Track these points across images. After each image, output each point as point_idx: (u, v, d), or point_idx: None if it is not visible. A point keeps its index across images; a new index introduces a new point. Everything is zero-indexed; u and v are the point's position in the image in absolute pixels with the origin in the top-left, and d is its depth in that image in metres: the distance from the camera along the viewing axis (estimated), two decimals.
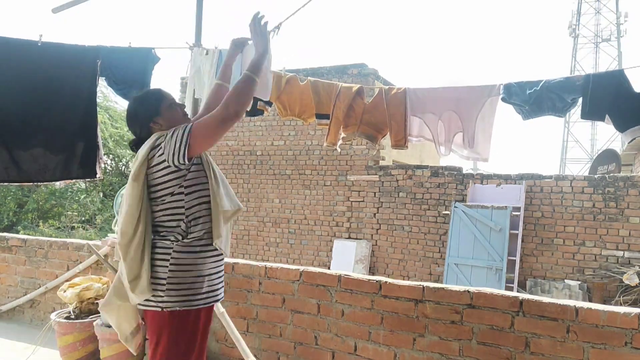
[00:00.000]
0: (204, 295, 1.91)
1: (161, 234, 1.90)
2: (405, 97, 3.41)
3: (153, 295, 1.86)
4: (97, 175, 3.38)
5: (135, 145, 1.99)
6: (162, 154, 1.82)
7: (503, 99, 3.11)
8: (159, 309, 1.86)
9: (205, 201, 1.92)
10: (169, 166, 1.82)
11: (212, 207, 1.92)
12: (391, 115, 3.45)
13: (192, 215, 1.89)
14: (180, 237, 1.87)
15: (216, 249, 1.95)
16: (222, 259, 2.03)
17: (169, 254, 1.86)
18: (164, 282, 1.85)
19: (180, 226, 1.88)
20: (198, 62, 3.38)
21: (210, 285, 1.94)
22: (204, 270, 1.91)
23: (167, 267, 1.85)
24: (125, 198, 1.87)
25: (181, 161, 1.80)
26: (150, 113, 1.96)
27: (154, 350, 1.90)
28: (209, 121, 1.82)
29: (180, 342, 1.89)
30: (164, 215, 1.89)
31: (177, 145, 1.79)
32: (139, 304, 1.91)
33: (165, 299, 1.85)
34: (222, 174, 2.02)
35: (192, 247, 1.88)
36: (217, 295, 1.99)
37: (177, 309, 1.85)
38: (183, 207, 1.88)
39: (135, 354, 2.00)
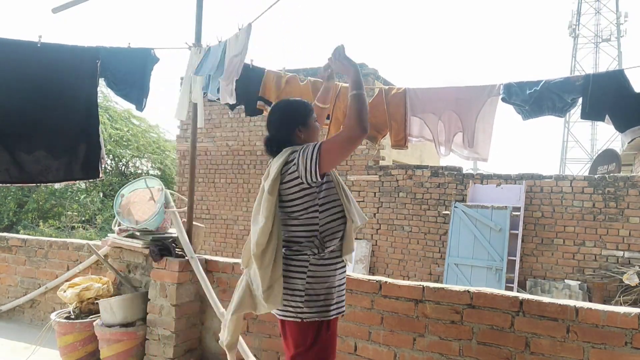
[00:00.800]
0: (335, 306, 1.99)
1: (293, 248, 1.95)
2: (405, 97, 3.41)
3: (291, 307, 1.93)
4: (100, 176, 3.38)
5: (269, 144, 2.02)
6: (296, 170, 1.87)
7: (503, 99, 3.10)
8: (299, 320, 1.93)
9: (337, 217, 1.98)
10: (302, 183, 1.88)
11: (347, 223, 2.00)
12: (391, 115, 3.45)
13: (326, 232, 1.95)
14: (316, 252, 1.93)
15: (342, 261, 2.03)
16: (346, 271, 2.11)
17: (306, 267, 1.92)
18: (302, 293, 1.91)
19: (314, 241, 1.93)
20: (194, 62, 3.39)
21: (339, 297, 2.02)
22: (335, 282, 1.98)
23: (305, 279, 1.91)
24: (261, 211, 1.91)
25: (314, 179, 1.85)
26: (299, 120, 2.03)
27: (295, 356, 1.97)
28: (338, 140, 1.87)
29: (321, 352, 1.96)
30: (298, 231, 1.95)
31: (309, 163, 1.84)
32: (279, 313, 1.99)
33: (304, 310, 1.92)
34: (348, 190, 2.09)
35: (325, 260, 1.95)
36: (343, 306, 2.06)
37: (316, 319, 1.92)
38: (317, 223, 1.94)
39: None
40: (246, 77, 3.38)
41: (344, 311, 2.06)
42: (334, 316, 1.98)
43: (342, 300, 2.05)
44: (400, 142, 3.50)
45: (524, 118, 3.07)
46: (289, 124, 2.02)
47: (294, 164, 1.88)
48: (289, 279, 1.92)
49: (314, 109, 2.25)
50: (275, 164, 1.92)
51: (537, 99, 2.93)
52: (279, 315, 2.01)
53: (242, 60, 2.96)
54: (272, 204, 1.89)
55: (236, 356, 3.08)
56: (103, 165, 3.46)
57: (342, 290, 2.04)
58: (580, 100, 2.87)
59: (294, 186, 1.90)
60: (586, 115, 2.87)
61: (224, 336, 2.15)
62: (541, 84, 2.96)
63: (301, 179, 1.86)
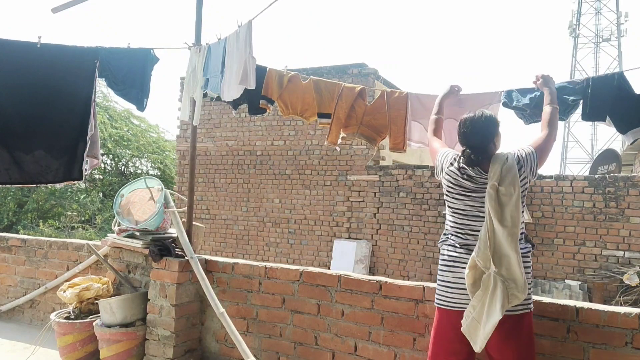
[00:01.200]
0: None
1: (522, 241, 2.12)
2: (407, 101, 3.41)
3: (525, 299, 2.01)
4: (82, 178, 3.37)
5: (474, 154, 2.13)
6: (524, 172, 2.11)
7: (504, 104, 3.10)
8: (529, 310, 2.08)
9: None
10: (527, 182, 2.14)
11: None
12: (392, 119, 3.45)
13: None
14: (530, 244, 2.17)
15: None
16: None
17: (529, 257, 2.12)
18: (530, 283, 2.07)
19: (524, 233, 2.16)
20: (194, 62, 3.39)
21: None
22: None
23: (530, 269, 2.10)
24: (515, 207, 2.02)
25: (535, 177, 2.19)
26: (496, 132, 2.22)
27: (524, 352, 2.05)
28: (548, 146, 2.26)
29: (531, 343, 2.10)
30: (522, 223, 2.10)
31: (535, 168, 2.15)
32: (519, 307, 2.04)
33: (531, 299, 2.10)
34: None
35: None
36: None
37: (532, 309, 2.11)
38: (524, 217, 2.16)
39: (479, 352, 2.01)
40: None
41: None
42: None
43: None
44: (399, 146, 3.50)
45: (526, 122, 3.07)
46: (490, 136, 2.19)
47: (523, 167, 2.11)
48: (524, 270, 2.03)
49: (434, 120, 2.72)
50: (512, 168, 2.07)
51: (538, 103, 2.92)
52: (522, 309, 2.05)
53: (252, 61, 2.98)
54: (520, 201, 2.04)
55: (236, 356, 3.08)
56: (88, 165, 3.45)
57: None
58: (580, 102, 2.87)
59: (522, 185, 2.09)
60: (587, 116, 2.87)
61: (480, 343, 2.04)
62: None
63: (528, 179, 2.13)
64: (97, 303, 3.34)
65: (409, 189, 8.25)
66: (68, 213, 14.25)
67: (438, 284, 2.20)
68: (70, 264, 4.10)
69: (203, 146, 9.97)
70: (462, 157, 2.16)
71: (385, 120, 3.46)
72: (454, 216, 2.20)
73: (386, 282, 2.74)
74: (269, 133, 9.50)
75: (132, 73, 3.41)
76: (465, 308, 2.04)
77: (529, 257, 2.11)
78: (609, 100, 2.77)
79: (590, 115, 2.85)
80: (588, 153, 33.12)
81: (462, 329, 2.02)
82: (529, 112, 3.00)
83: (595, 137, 34.24)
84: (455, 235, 2.18)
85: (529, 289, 2.04)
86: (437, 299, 2.20)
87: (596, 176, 7.26)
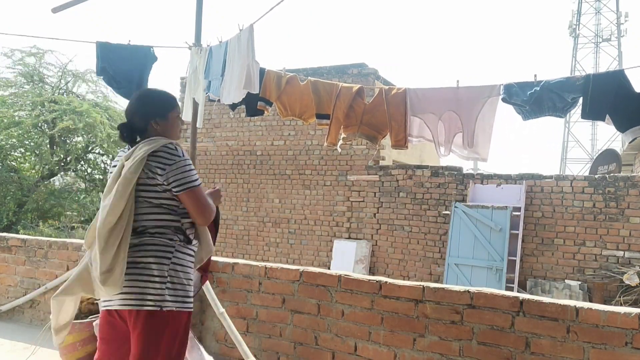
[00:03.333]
0: (191, 299, 1.96)
1: (154, 233, 1.89)
2: (406, 97, 3.40)
3: (150, 294, 1.83)
4: None
5: (125, 131, 1.98)
6: (161, 184, 1.88)
7: (503, 99, 3.11)
8: (158, 308, 1.84)
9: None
10: (165, 191, 1.93)
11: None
12: (391, 116, 3.45)
13: (187, 224, 1.97)
14: (181, 239, 1.93)
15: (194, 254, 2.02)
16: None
17: (172, 252, 1.89)
18: (165, 280, 1.85)
19: (178, 230, 1.94)
20: (195, 62, 3.39)
21: (192, 290, 1.99)
22: (191, 274, 1.98)
23: (169, 265, 1.87)
24: (116, 189, 1.83)
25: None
26: (157, 111, 1.99)
27: (147, 351, 1.84)
28: (201, 205, 1.95)
29: (177, 344, 1.90)
30: (161, 216, 1.91)
31: (179, 188, 1.91)
32: (129, 301, 1.85)
33: (167, 297, 1.85)
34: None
35: (188, 250, 1.97)
36: (192, 302, 2.01)
37: (174, 309, 1.87)
38: (179, 214, 1.95)
39: (58, 347, 1.96)
40: None
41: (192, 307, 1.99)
42: (192, 309, 1.95)
43: (192, 296, 1.99)
44: (401, 142, 3.50)
45: (524, 118, 3.07)
46: (144, 114, 1.97)
47: (162, 176, 1.86)
48: (147, 264, 1.84)
49: None
50: (140, 155, 1.86)
51: (537, 99, 2.93)
52: (128, 304, 1.84)
53: (256, 65, 2.99)
54: (130, 186, 1.83)
55: (236, 356, 3.08)
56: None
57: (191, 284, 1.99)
58: (580, 100, 2.87)
59: (156, 185, 1.88)
60: (586, 115, 2.87)
61: (52, 320, 2.07)
62: (541, 84, 2.96)
63: (165, 191, 1.88)
64: (97, 303, 3.34)
65: (409, 189, 8.25)
66: (68, 213, 14.24)
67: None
68: (70, 264, 4.09)
69: (203, 146, 9.97)
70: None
71: (385, 117, 3.46)
72: None
73: (386, 282, 2.74)
74: (269, 133, 9.50)
75: (131, 70, 3.43)
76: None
77: (171, 252, 1.90)
78: (609, 98, 2.77)
79: (590, 113, 2.85)
80: (588, 153, 33.12)
81: None
82: (528, 108, 3.00)
83: (595, 137, 34.23)
84: None
85: (163, 285, 1.85)
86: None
87: (596, 176, 7.26)
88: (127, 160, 1.89)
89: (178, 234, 1.92)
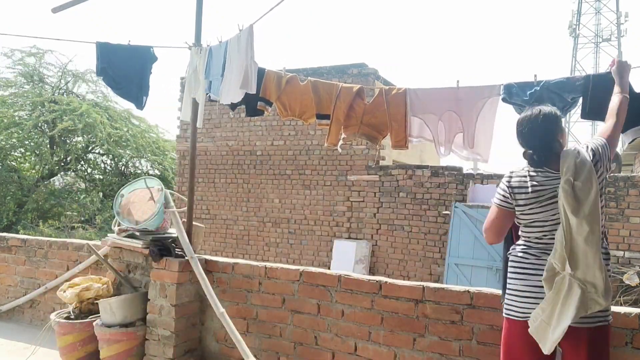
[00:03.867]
0: None
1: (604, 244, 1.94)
2: (406, 97, 3.40)
3: (605, 308, 1.84)
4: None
5: (536, 154, 2.00)
6: (600, 166, 1.95)
7: (503, 99, 3.10)
8: (607, 323, 1.88)
9: None
10: (604, 176, 1.99)
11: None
12: (391, 116, 3.44)
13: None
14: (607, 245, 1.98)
15: None
16: None
17: (609, 259, 1.94)
18: (610, 292, 1.84)
19: (605, 232, 1.97)
20: (195, 62, 3.39)
21: None
22: None
23: (610, 272, 1.90)
24: (594, 203, 1.84)
25: (609, 171, 2.03)
26: (558, 128, 2.04)
27: None
28: (615, 135, 2.14)
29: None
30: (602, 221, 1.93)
31: (608, 157, 2.01)
32: (599, 319, 1.85)
33: (609, 311, 1.89)
34: None
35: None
36: None
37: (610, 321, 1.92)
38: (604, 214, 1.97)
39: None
40: None
41: None
42: None
43: None
44: (401, 143, 3.49)
45: None
46: (555, 134, 2.03)
47: (600, 164, 1.95)
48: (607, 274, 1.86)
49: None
50: (586, 161, 1.90)
51: (537, 99, 2.92)
52: (599, 321, 1.85)
53: (254, 65, 2.99)
54: (598, 197, 1.88)
55: (236, 356, 3.08)
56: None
57: None
58: (580, 100, 2.87)
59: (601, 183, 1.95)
60: (586, 115, 2.87)
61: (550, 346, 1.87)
62: (541, 84, 2.96)
63: (605, 177, 1.98)
64: (97, 303, 3.34)
65: (409, 189, 8.25)
66: (68, 213, 14.24)
67: (508, 293, 2.03)
68: (70, 264, 4.10)
69: (203, 146, 9.97)
70: (527, 162, 2.01)
71: (385, 117, 3.45)
72: (531, 230, 1.99)
73: (386, 282, 2.74)
74: (269, 133, 9.50)
75: (131, 71, 3.42)
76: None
77: (609, 259, 1.93)
78: (609, 98, 2.77)
79: (590, 113, 2.84)
80: None
81: (529, 330, 1.87)
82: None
83: None
84: (530, 246, 2.00)
85: (610, 299, 1.83)
86: (506, 309, 2.03)
87: None
88: (574, 179, 1.87)
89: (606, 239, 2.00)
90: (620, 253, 6.98)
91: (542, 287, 1.87)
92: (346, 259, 8.37)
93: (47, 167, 13.69)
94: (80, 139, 14.33)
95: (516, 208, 2.01)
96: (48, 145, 13.70)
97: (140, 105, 3.53)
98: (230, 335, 3.03)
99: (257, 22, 3.01)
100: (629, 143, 2.89)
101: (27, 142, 13.65)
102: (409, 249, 8.19)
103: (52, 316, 3.42)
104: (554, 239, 1.88)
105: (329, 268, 8.27)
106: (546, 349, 1.82)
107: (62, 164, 14.21)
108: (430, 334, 2.59)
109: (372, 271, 8.37)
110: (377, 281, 2.76)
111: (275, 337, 3.07)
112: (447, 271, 7.53)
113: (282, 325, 3.05)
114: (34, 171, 14.48)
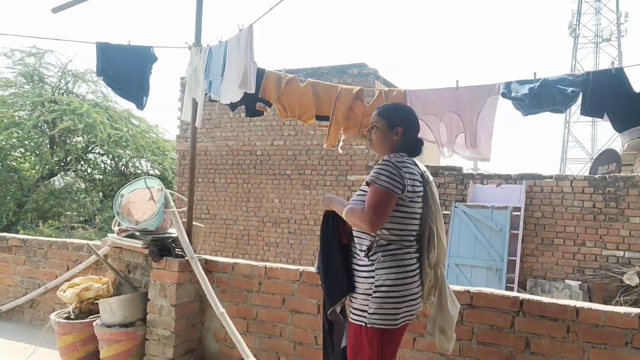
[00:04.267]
0: None
1: None
2: (406, 99, 3.40)
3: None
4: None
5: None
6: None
7: (503, 94, 3.10)
8: (354, 322, 1.98)
9: None
10: None
11: None
12: None
13: None
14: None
15: None
16: None
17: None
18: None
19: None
20: (195, 62, 3.39)
21: None
22: None
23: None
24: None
25: None
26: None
27: None
28: (347, 216, 2.05)
29: None
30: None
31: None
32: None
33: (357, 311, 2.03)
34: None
35: None
36: None
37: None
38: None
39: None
40: None
41: None
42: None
43: None
44: None
45: (523, 113, 3.06)
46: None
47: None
48: None
49: None
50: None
51: (537, 94, 2.92)
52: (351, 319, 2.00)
53: (253, 65, 2.99)
54: None
55: (236, 356, 3.08)
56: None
57: None
58: (580, 95, 2.87)
59: None
60: (585, 111, 2.86)
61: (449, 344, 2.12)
62: (541, 80, 2.97)
63: None
64: (97, 303, 3.34)
65: None
66: (68, 213, 14.25)
67: (385, 302, 1.88)
68: (70, 264, 4.10)
69: (203, 146, 9.97)
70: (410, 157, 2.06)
71: None
72: (405, 223, 1.97)
73: None
74: (269, 133, 9.50)
75: (131, 71, 3.42)
76: (407, 320, 1.94)
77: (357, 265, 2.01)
78: (608, 96, 2.77)
79: (590, 110, 2.84)
80: (588, 153, 33.10)
81: (427, 335, 2.13)
82: (528, 103, 2.99)
83: (595, 137, 34.19)
84: (406, 245, 1.97)
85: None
86: (385, 320, 1.89)
87: (596, 176, 7.26)
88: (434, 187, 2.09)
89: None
90: (620, 253, 6.98)
91: None
92: None
93: (47, 167, 13.70)
94: (80, 139, 14.33)
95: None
96: (48, 145, 13.71)
97: (140, 105, 3.53)
98: (230, 335, 3.03)
99: (256, 21, 3.01)
100: (627, 143, 2.90)
101: (27, 142, 13.66)
102: None
103: (52, 316, 3.41)
104: (414, 234, 2.02)
105: None
106: (450, 350, 2.15)
107: (62, 164, 14.22)
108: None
109: None
110: None
111: (275, 337, 3.07)
112: (447, 271, 7.53)
113: (282, 325, 3.05)
114: (34, 171, 14.48)
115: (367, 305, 1.89)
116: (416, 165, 2.05)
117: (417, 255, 2.00)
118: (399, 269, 1.91)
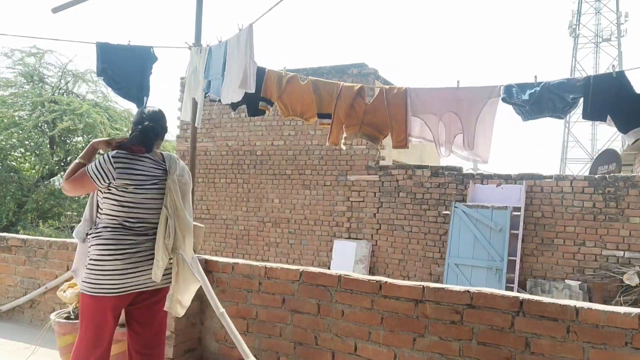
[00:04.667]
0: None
1: None
2: (406, 97, 3.40)
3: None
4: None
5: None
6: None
7: (503, 99, 3.10)
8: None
9: None
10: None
11: None
12: (392, 116, 3.45)
13: None
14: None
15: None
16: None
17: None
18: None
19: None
20: (195, 62, 3.40)
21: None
22: None
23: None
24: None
25: None
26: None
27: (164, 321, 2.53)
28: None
29: None
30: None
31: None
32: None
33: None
34: None
35: None
36: None
37: None
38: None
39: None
40: None
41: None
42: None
43: None
44: (402, 143, 3.50)
45: (523, 119, 3.07)
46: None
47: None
48: None
49: None
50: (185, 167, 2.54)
51: (537, 100, 2.93)
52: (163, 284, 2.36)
53: (253, 65, 2.99)
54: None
55: (236, 356, 3.08)
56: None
57: None
58: (580, 100, 2.87)
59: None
60: (588, 115, 2.87)
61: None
62: (541, 85, 2.97)
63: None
64: None
65: (409, 189, 8.25)
66: (68, 213, 14.24)
67: (98, 272, 2.23)
68: (70, 264, 4.09)
69: (203, 146, 9.97)
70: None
71: (386, 117, 3.46)
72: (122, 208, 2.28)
73: (386, 282, 2.74)
74: (269, 133, 9.50)
75: (131, 71, 3.43)
76: (129, 290, 2.26)
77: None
78: (610, 99, 2.77)
79: (592, 114, 2.85)
80: (588, 153, 33.11)
81: (165, 307, 2.35)
82: (528, 109, 3.00)
83: (595, 137, 34.22)
84: (123, 225, 2.27)
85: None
86: (99, 288, 2.23)
87: (596, 176, 7.26)
88: (177, 176, 2.42)
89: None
90: (620, 253, 6.98)
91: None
92: (346, 259, 8.37)
93: (47, 167, 13.69)
94: (80, 139, 14.32)
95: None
96: (48, 145, 13.70)
97: (140, 105, 3.53)
98: (230, 335, 3.03)
99: (256, 21, 3.01)
100: (632, 144, 2.91)
101: (27, 142, 13.65)
102: (409, 249, 8.20)
103: (52, 316, 3.41)
104: (148, 220, 2.31)
105: (329, 268, 8.28)
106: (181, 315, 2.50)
107: (62, 164, 14.21)
108: (430, 333, 2.59)
109: (372, 271, 8.37)
110: (377, 281, 2.75)
111: (275, 337, 3.07)
112: (447, 271, 7.53)
113: (282, 325, 3.05)
114: (34, 171, 14.48)
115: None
116: (150, 159, 2.35)
117: (141, 238, 2.29)
118: (104, 247, 2.24)
